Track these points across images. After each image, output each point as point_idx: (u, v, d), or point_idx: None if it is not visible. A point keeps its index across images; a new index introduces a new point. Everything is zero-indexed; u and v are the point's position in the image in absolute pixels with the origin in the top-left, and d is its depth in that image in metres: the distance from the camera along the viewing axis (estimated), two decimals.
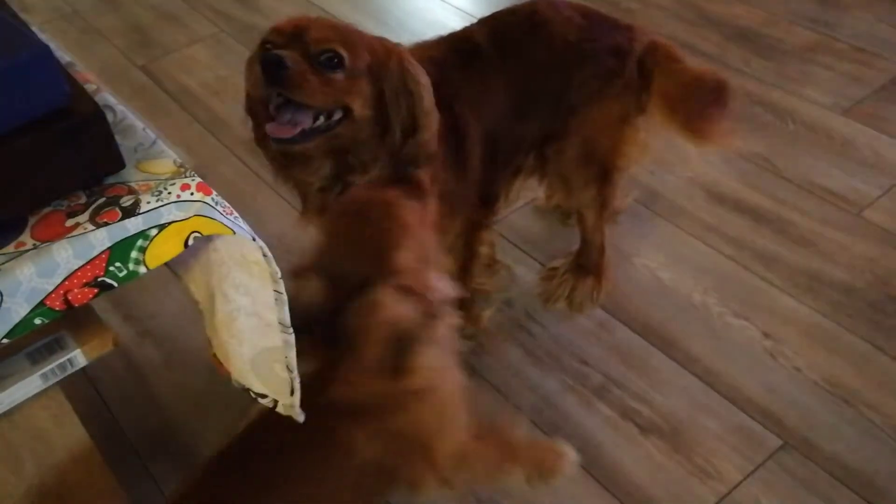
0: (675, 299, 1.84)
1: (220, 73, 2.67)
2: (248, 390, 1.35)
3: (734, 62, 2.50)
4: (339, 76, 1.24)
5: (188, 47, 2.82)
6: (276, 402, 1.34)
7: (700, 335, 1.76)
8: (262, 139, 1.36)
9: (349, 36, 1.27)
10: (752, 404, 1.62)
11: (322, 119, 1.26)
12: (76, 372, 1.71)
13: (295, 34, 1.23)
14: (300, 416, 1.38)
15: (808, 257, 1.90)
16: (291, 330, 1.19)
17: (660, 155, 2.17)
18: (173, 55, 2.79)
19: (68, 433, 1.30)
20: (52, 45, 1.14)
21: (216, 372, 1.59)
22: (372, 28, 2.76)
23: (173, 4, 3.05)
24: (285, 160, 1.36)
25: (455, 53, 1.50)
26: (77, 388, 1.74)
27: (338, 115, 1.27)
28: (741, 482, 1.50)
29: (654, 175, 2.12)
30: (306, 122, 1.25)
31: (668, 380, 1.68)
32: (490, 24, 1.58)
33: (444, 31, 1.57)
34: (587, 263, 1.84)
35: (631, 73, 1.60)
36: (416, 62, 1.33)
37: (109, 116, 0.90)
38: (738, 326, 1.77)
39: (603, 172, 1.68)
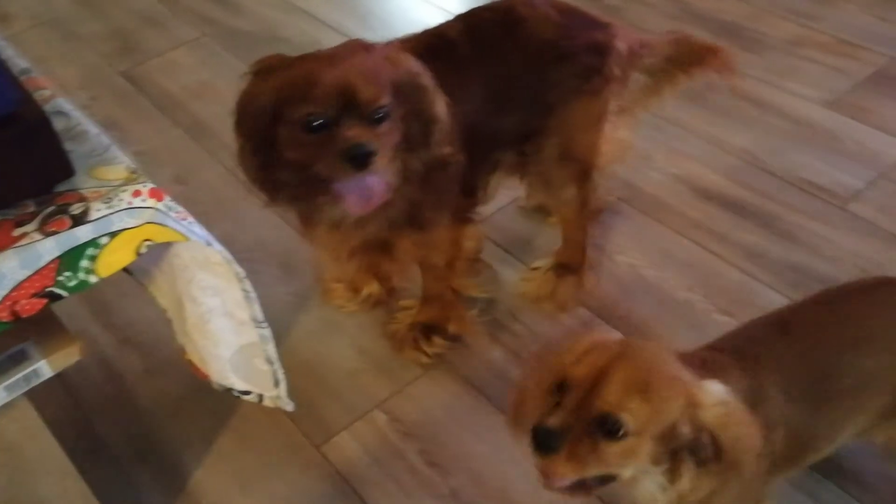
0: (659, 297, 1.82)
1: (203, 77, 2.66)
2: (230, 390, 1.34)
3: None
4: (387, 125, 1.27)
5: (170, 52, 2.80)
6: (261, 396, 1.34)
7: (685, 332, 1.74)
8: (263, 182, 1.35)
9: (380, 76, 1.27)
10: None
11: None
12: (54, 382, 1.70)
13: (345, 98, 1.22)
14: (289, 406, 1.37)
15: (793, 251, 1.88)
16: (266, 324, 1.18)
17: (643, 151, 2.16)
18: (155, 60, 2.77)
19: (39, 445, 1.29)
20: (12, 52, 1.12)
21: (196, 378, 1.58)
22: (355, 30, 2.78)
23: (155, 9, 3.03)
24: (305, 193, 1.36)
25: (429, 50, 1.49)
26: (55, 397, 1.73)
27: None
28: None
29: (637, 172, 2.10)
30: (380, 181, 1.27)
31: None
32: (466, 21, 1.56)
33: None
34: (569, 262, 1.82)
35: (610, 71, 1.58)
36: (421, 67, 1.34)
37: (62, 122, 0.88)
38: (723, 323, 1.75)
39: (582, 171, 1.67)
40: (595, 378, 0.97)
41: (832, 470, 1.47)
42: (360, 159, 1.20)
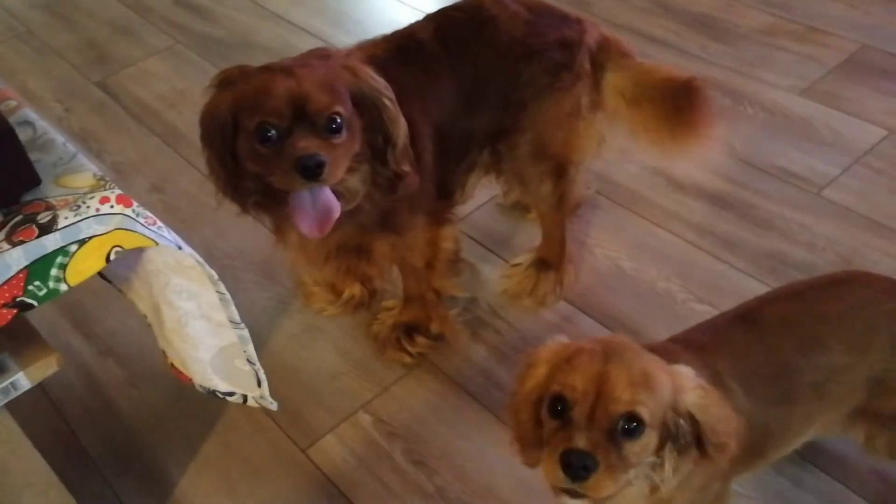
0: (638, 288, 1.83)
1: (178, 85, 2.65)
2: (214, 392, 1.33)
3: (691, 48, 2.49)
4: (344, 135, 1.25)
5: (144, 61, 2.79)
6: (244, 396, 1.33)
7: (665, 323, 1.75)
8: (232, 193, 1.36)
9: (334, 85, 1.26)
10: None
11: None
12: (37, 394, 1.69)
13: (296, 108, 1.21)
14: (272, 405, 1.37)
15: (770, 239, 1.90)
16: (243, 325, 1.18)
17: (620, 144, 2.16)
18: (129, 69, 2.76)
19: (23, 459, 1.29)
20: None
21: (179, 386, 1.57)
22: (329, 32, 2.78)
23: (128, 19, 3.02)
24: (272, 202, 1.35)
25: (399, 51, 1.49)
26: (39, 409, 1.72)
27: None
28: None
29: (613, 165, 2.11)
30: (334, 201, 1.27)
31: None
32: (436, 21, 1.56)
33: None
34: (549, 257, 1.82)
35: (581, 66, 1.59)
36: (376, 74, 1.33)
37: (28, 132, 0.88)
38: (702, 312, 1.76)
39: (557, 167, 1.67)
40: (596, 384, 0.96)
41: (816, 454, 1.48)
42: (310, 170, 1.18)
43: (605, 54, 1.61)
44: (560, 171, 1.68)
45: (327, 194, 1.27)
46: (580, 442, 0.94)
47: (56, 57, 2.87)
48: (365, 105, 1.30)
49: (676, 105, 1.59)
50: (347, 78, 1.29)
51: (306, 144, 1.19)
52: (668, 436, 1.00)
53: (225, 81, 1.28)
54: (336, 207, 1.27)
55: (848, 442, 1.50)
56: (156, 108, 2.57)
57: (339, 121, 1.23)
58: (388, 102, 1.31)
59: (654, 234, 1.94)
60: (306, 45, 2.74)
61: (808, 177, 2.03)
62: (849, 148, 2.10)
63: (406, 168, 1.37)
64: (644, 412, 0.95)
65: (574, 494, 0.97)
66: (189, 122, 2.45)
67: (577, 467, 0.93)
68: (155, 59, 2.79)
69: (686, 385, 1.00)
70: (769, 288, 1.77)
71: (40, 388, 1.76)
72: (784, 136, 2.16)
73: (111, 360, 1.83)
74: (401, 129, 1.34)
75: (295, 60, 1.30)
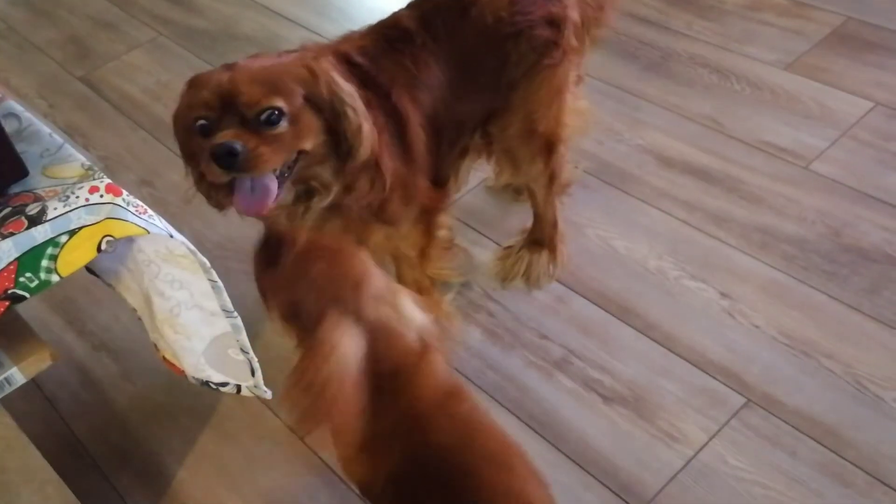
0: (630, 267, 1.83)
1: (162, 77, 2.63)
2: (206, 383, 1.33)
3: (676, 25, 2.49)
4: (283, 128, 1.24)
5: (127, 54, 2.77)
6: (238, 386, 1.33)
7: (657, 301, 1.76)
8: (202, 184, 1.36)
9: (277, 80, 1.25)
10: (712, 365, 1.62)
11: (280, 170, 1.26)
12: (32, 391, 1.69)
13: (224, 101, 1.21)
14: (266, 394, 1.37)
15: (759, 214, 1.90)
16: (236, 314, 1.17)
17: (607, 124, 2.16)
18: (113, 63, 2.74)
19: (19, 455, 1.28)
20: None
21: (174, 379, 1.57)
22: (314, 21, 2.77)
23: (109, 13, 2.99)
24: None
25: (386, 41, 1.48)
26: (34, 406, 1.72)
27: (293, 157, 1.27)
28: (707, 443, 1.51)
29: (602, 144, 2.11)
30: (272, 186, 1.25)
31: (628, 347, 1.68)
32: (419, 8, 1.55)
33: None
34: (541, 238, 1.83)
35: (567, 42, 1.58)
36: (340, 78, 1.32)
37: (14, 124, 0.87)
38: (694, 289, 1.77)
39: (547, 145, 1.67)
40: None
41: (813, 425, 1.49)
42: (222, 158, 1.17)
43: (590, 26, 1.62)
44: (550, 149, 1.68)
45: (265, 180, 1.25)
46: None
47: (38, 53, 2.84)
48: (322, 107, 1.29)
49: None
50: (302, 75, 1.27)
51: (224, 134, 1.18)
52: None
53: (196, 81, 1.28)
54: (273, 190, 1.25)
55: (840, 412, 1.51)
56: (141, 101, 2.55)
57: (275, 114, 1.22)
58: (349, 112, 1.30)
59: (645, 212, 1.95)
60: (290, 34, 2.73)
61: (796, 150, 2.04)
62: (836, 121, 2.10)
63: (366, 177, 1.37)
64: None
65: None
66: None
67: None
68: (138, 53, 2.77)
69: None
70: (761, 263, 1.79)
71: (34, 385, 1.76)
72: (771, 111, 2.16)
73: (105, 355, 1.83)
74: (364, 138, 1.32)
75: (249, 57, 1.31)
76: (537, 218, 1.83)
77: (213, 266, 1.17)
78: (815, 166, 1.99)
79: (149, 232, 0.89)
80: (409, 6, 1.56)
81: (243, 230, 2.00)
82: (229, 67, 1.25)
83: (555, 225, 1.82)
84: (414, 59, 1.48)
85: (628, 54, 2.41)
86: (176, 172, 2.25)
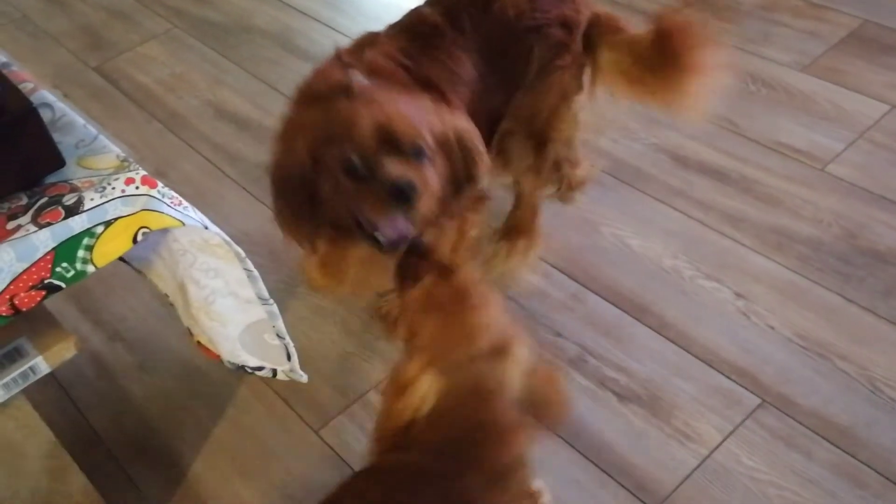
0: (645, 265, 1.84)
1: (176, 69, 2.63)
2: (242, 367, 1.33)
3: None
4: (426, 162, 1.24)
5: (141, 45, 2.77)
6: (274, 370, 1.34)
7: (672, 300, 1.76)
8: (302, 234, 1.34)
9: (417, 116, 1.25)
10: (727, 365, 1.63)
11: None
12: (48, 380, 1.69)
13: (382, 137, 1.19)
14: (302, 378, 1.37)
15: (775, 215, 1.90)
16: (272, 301, 1.18)
17: (623, 123, 2.16)
18: (127, 54, 2.74)
19: (38, 442, 1.29)
20: None
21: (190, 369, 1.58)
22: (328, 15, 2.77)
23: (124, 3, 2.99)
24: (346, 235, 1.33)
25: (419, 39, 1.47)
26: (50, 396, 1.72)
27: None
28: (721, 443, 1.51)
29: (617, 143, 2.11)
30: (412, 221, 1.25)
31: (643, 346, 1.68)
32: (441, 3, 1.55)
33: (401, 13, 1.55)
34: (520, 225, 1.83)
35: (577, 47, 1.58)
36: (459, 115, 1.33)
37: (47, 114, 0.88)
38: (709, 288, 1.77)
39: (538, 144, 1.67)
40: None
41: (827, 426, 1.49)
42: (404, 194, 1.16)
43: (597, 33, 1.61)
44: (540, 148, 1.67)
45: (406, 218, 1.25)
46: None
47: (53, 43, 2.84)
48: (447, 147, 1.29)
49: (671, 53, 1.55)
50: (431, 118, 1.27)
51: (399, 170, 1.17)
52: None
53: (307, 96, 1.26)
54: (410, 231, 1.26)
55: (855, 414, 1.51)
56: (156, 92, 2.55)
57: (424, 150, 1.22)
58: (478, 144, 1.32)
59: (660, 211, 1.95)
60: (305, 28, 2.73)
61: (812, 152, 2.04)
62: (852, 123, 2.10)
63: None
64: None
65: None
66: (190, 107, 2.45)
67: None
68: (153, 44, 2.77)
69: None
70: (775, 263, 1.79)
71: (50, 375, 1.76)
72: (787, 112, 2.16)
73: (120, 345, 1.83)
74: (484, 168, 1.34)
75: (368, 90, 1.27)
76: (520, 203, 1.82)
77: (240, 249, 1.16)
78: (831, 168, 1.99)
79: (184, 224, 0.89)
80: (428, 3, 1.56)
81: (259, 222, 2.01)
82: (354, 100, 1.21)
83: (536, 212, 1.82)
84: (449, 55, 1.48)
85: None
86: (189, 164, 2.27)
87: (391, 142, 1.19)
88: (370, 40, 1.47)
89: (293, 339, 1.77)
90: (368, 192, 1.19)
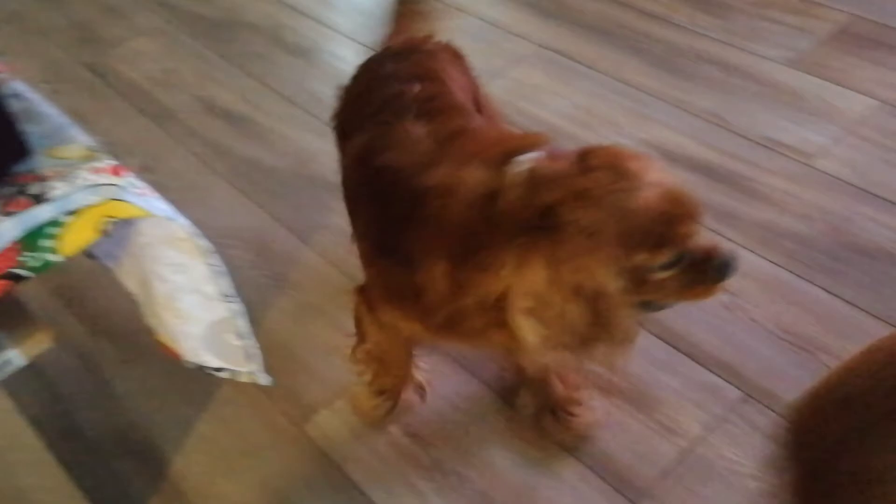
0: None
1: (167, 65, 2.63)
2: (202, 368, 1.33)
3: (680, 21, 2.49)
4: None
5: (132, 41, 2.77)
6: (234, 372, 1.33)
7: None
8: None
9: None
10: (711, 359, 1.62)
11: None
12: (29, 374, 1.69)
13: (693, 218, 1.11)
14: (265, 381, 1.36)
15: (762, 210, 1.90)
16: (237, 298, 1.17)
17: (610, 117, 2.16)
18: (118, 50, 2.74)
19: (16, 437, 1.29)
20: None
21: (173, 364, 1.56)
22: (319, 11, 2.77)
23: None
24: None
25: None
26: (32, 389, 1.72)
27: None
28: (704, 436, 1.51)
29: (605, 138, 2.11)
30: None
31: None
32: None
33: (390, 9, 1.55)
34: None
35: None
36: None
37: (19, 105, 0.87)
38: None
39: None
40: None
41: None
42: (732, 268, 1.11)
43: None
44: None
45: None
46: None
47: (43, 38, 2.84)
48: None
49: None
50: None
51: (709, 246, 1.10)
52: None
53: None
54: None
55: None
56: (146, 88, 2.55)
57: None
58: None
59: None
60: (297, 24, 2.73)
61: (800, 147, 2.04)
62: (840, 118, 2.10)
63: None
64: None
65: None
66: (180, 103, 2.45)
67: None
68: (144, 40, 2.77)
69: None
70: (761, 258, 1.79)
71: (34, 369, 1.76)
72: (775, 108, 2.16)
73: (103, 339, 1.83)
74: None
75: (638, 169, 1.09)
76: None
77: (207, 242, 1.15)
78: (819, 163, 1.99)
79: (151, 214, 0.89)
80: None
81: (246, 218, 2.01)
82: (651, 185, 1.07)
83: None
84: None
85: (633, 49, 2.40)
86: (178, 160, 2.27)
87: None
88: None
89: (277, 335, 1.78)
90: (686, 278, 1.12)
